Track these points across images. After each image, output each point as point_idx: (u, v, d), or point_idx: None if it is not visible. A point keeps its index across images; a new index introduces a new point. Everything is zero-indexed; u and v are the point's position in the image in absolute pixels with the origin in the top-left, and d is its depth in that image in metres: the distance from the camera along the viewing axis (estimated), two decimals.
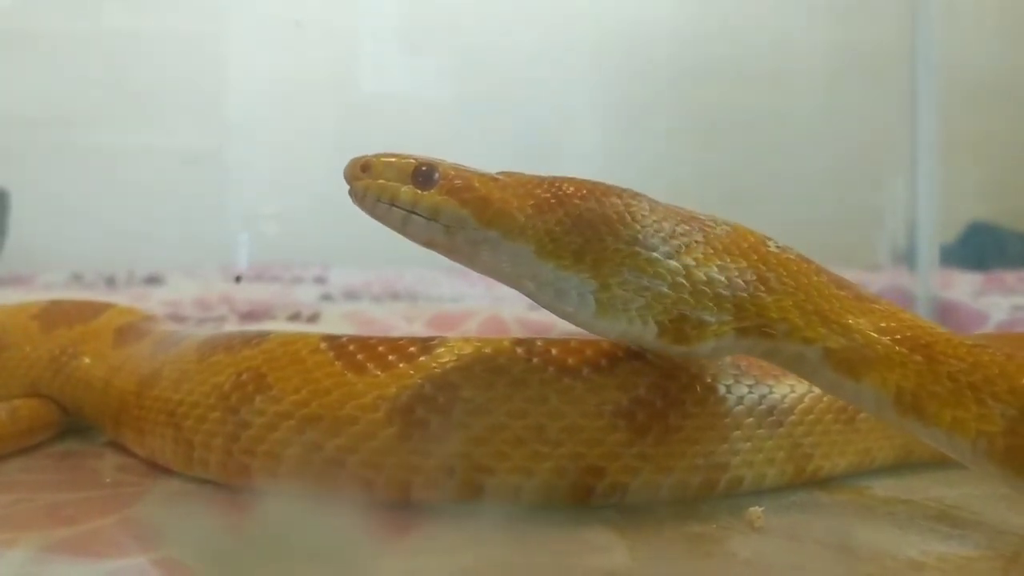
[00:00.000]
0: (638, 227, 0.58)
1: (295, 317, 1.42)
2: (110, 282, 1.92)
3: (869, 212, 1.99)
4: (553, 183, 0.59)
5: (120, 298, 1.72)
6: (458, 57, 2.15)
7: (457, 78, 2.15)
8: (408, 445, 0.62)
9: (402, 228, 0.59)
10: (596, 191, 0.59)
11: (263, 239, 1.97)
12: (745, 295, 0.58)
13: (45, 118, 2.02)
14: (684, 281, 0.58)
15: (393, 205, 0.58)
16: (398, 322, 1.37)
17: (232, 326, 1.40)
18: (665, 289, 0.58)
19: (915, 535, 0.60)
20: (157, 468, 0.74)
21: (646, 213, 0.58)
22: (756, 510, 0.62)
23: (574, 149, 2.21)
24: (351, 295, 1.78)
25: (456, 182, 0.58)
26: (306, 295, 1.78)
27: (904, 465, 0.74)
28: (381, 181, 0.58)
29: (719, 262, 0.59)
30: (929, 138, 1.72)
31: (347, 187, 0.60)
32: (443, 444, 0.62)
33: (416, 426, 0.62)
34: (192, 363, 0.71)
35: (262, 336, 0.69)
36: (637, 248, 0.57)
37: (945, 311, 1.12)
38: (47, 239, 2.00)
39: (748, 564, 0.55)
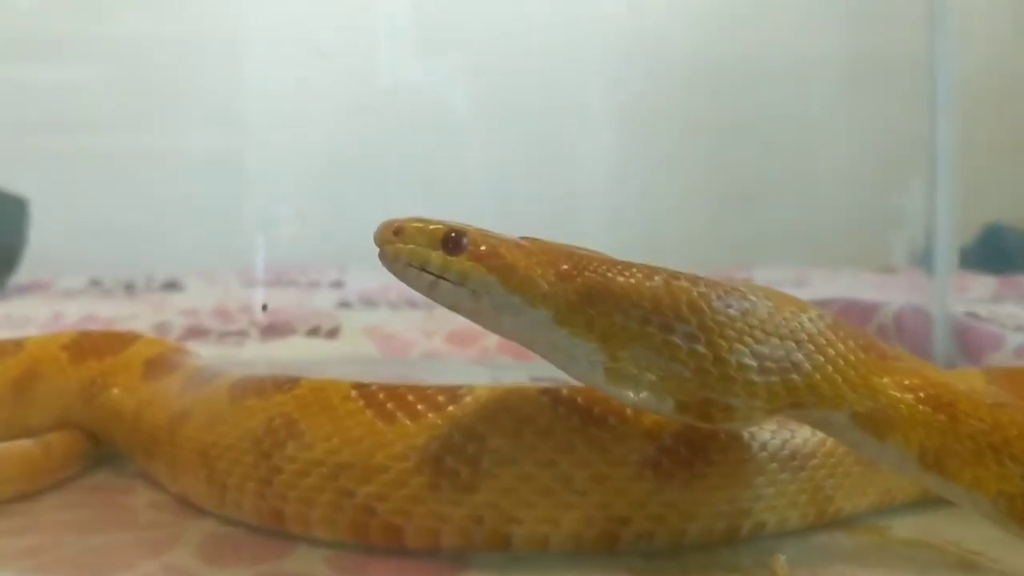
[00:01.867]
0: (647, 306, 0.57)
1: (314, 332, 1.44)
2: (129, 288, 1.94)
3: (886, 214, 1.99)
4: (574, 254, 0.60)
5: (139, 305, 1.74)
6: (474, 58, 2.15)
7: (473, 79, 2.15)
8: (437, 494, 0.63)
9: (429, 292, 0.60)
10: (612, 266, 0.59)
11: (280, 243, 1.99)
12: (777, 380, 0.58)
13: (63, 124, 2.04)
14: (711, 368, 0.57)
15: (423, 270, 0.59)
16: (417, 337, 1.39)
17: (253, 341, 1.41)
18: (687, 374, 0.57)
19: None
20: (189, 507, 0.75)
21: (660, 294, 0.57)
22: (779, 559, 0.63)
23: (589, 149, 2.22)
24: (368, 301, 1.79)
25: (483, 249, 0.59)
26: (324, 301, 1.80)
27: (924, 502, 0.75)
28: (411, 246, 0.59)
29: (754, 346, 0.57)
30: (947, 139, 1.72)
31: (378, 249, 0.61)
32: (471, 493, 0.63)
33: (445, 475, 0.63)
34: (224, 405, 0.73)
35: (293, 382, 0.71)
36: (649, 328, 0.57)
37: (961, 333, 1.13)
38: (66, 245, 2.02)
39: None
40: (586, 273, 0.59)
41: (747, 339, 0.57)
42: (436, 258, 0.59)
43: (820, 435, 0.69)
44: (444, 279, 0.59)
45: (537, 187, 2.19)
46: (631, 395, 0.58)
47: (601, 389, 0.60)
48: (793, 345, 0.58)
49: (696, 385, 0.57)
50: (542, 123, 2.21)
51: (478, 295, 0.59)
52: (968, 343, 1.11)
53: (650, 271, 0.59)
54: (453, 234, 0.59)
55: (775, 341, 0.58)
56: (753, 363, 0.57)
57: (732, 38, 2.27)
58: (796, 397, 0.58)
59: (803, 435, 0.68)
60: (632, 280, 0.58)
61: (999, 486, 0.55)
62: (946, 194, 1.71)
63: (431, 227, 0.60)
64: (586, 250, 0.62)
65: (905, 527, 0.72)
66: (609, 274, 0.59)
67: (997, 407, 0.57)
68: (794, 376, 0.58)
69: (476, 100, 2.15)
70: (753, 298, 0.59)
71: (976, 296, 1.77)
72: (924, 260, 1.75)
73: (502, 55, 2.18)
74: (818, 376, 0.58)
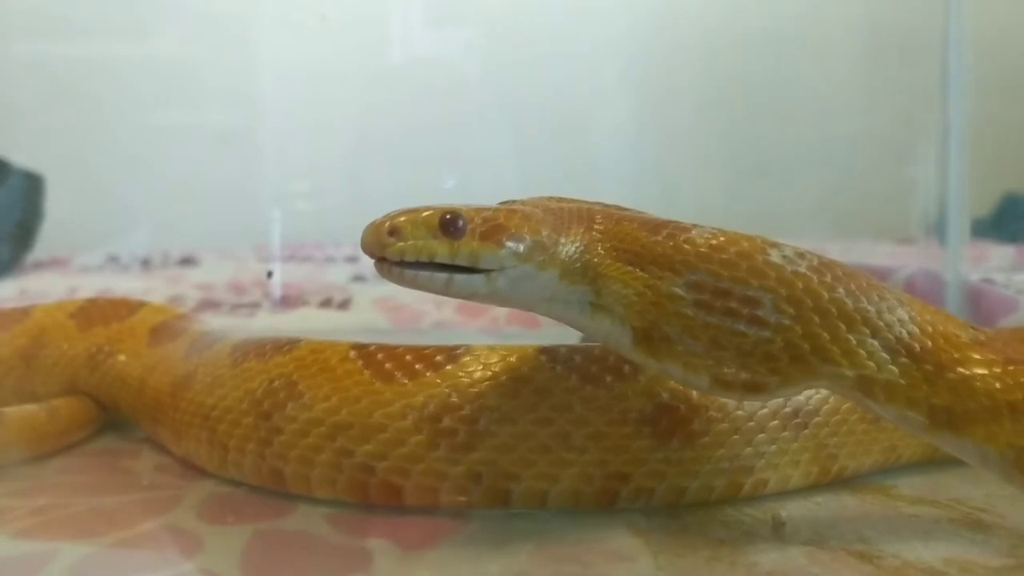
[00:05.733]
0: (594, 237, 0.59)
1: (326, 303, 1.44)
2: (145, 264, 1.94)
3: (901, 184, 1.97)
4: (558, 208, 0.60)
5: (155, 280, 1.75)
6: (487, 29, 2.14)
7: (486, 51, 2.14)
8: (435, 452, 0.63)
9: (446, 289, 0.57)
10: (588, 212, 0.61)
11: (295, 218, 1.99)
12: (723, 325, 0.55)
13: (79, 100, 2.04)
14: (646, 291, 0.56)
15: (433, 269, 0.56)
16: (428, 308, 1.39)
17: (266, 312, 1.42)
18: (634, 298, 0.57)
19: (940, 540, 0.60)
20: (193, 469, 0.75)
21: (609, 226, 0.59)
22: (780, 515, 0.63)
23: (604, 122, 2.20)
24: None
25: (481, 225, 0.57)
26: (338, 276, 1.80)
27: (930, 462, 0.74)
28: (412, 242, 0.56)
29: (688, 276, 0.55)
30: (962, 110, 1.70)
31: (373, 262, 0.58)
32: (469, 451, 0.63)
33: (443, 434, 0.63)
34: (225, 368, 0.73)
35: (293, 343, 0.70)
36: (601, 259, 0.58)
37: (974, 298, 1.11)
38: (83, 221, 2.02)
39: (771, 575, 0.55)
40: (569, 223, 0.59)
41: (679, 268, 0.56)
42: (442, 247, 0.56)
43: (823, 393, 0.68)
44: (456, 269, 0.57)
45: (552, 161, 2.17)
46: (605, 328, 0.59)
47: (584, 329, 0.60)
48: (755, 282, 0.54)
49: (639, 309, 0.57)
50: (557, 98, 2.19)
51: (492, 275, 0.57)
52: (981, 307, 1.10)
53: (603, 210, 0.61)
54: (448, 216, 0.56)
55: (723, 274, 0.55)
56: (685, 295, 0.55)
57: (748, 10, 2.25)
58: (754, 375, 0.55)
59: (806, 392, 0.68)
60: (581, 222, 0.60)
61: (1010, 440, 0.53)
62: (958, 164, 1.69)
63: (423, 215, 0.56)
64: (557, 200, 0.62)
65: (911, 486, 0.71)
66: (590, 218, 0.60)
67: (1012, 363, 0.55)
68: (746, 331, 0.55)
69: (491, 75, 2.14)
70: (697, 232, 0.56)
71: (994, 265, 1.76)
72: (938, 230, 1.73)
73: (516, 26, 2.16)
74: (780, 341, 0.54)
